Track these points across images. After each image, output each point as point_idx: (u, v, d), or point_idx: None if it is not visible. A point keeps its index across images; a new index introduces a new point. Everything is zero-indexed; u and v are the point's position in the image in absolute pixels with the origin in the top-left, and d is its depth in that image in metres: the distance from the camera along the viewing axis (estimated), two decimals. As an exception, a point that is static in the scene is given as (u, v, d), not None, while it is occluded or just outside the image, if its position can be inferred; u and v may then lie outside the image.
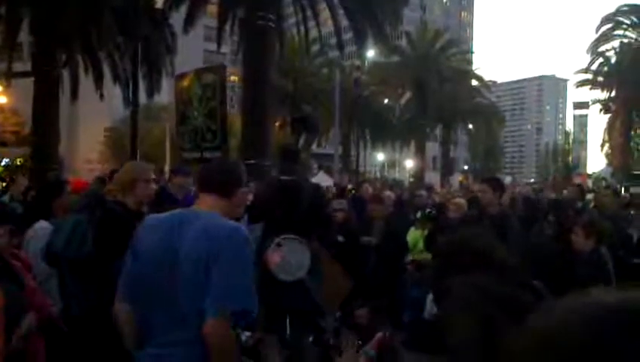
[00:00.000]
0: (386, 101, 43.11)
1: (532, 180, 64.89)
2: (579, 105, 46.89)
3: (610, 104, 41.40)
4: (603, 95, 42.19)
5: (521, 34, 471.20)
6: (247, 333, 3.78)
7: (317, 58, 36.33)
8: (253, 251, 3.31)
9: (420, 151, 44.49)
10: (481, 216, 4.96)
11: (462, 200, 6.99)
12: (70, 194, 4.57)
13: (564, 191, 9.89)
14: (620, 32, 41.68)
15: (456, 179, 32.25)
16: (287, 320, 4.17)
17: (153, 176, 3.63)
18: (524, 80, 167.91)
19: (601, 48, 41.95)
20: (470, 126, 48.37)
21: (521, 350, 0.66)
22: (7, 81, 20.97)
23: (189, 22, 19.19)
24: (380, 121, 40.25)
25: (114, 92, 22.03)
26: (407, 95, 44.10)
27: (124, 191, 3.35)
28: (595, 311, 0.61)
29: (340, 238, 5.75)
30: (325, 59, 36.51)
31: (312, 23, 20.67)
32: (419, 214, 7.03)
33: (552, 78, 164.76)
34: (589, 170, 42.90)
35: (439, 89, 41.52)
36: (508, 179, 30.48)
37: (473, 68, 50.04)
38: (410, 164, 49.72)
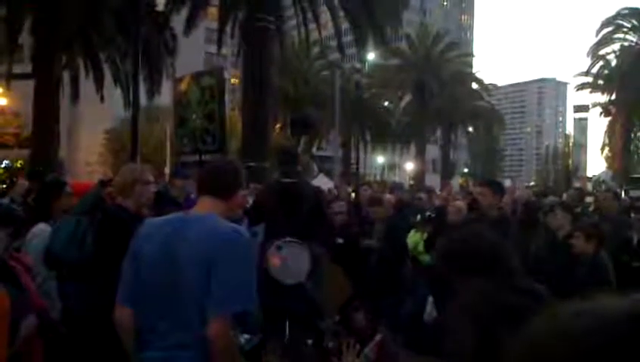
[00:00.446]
0: (386, 103, 43.13)
1: (532, 183, 64.90)
2: (579, 109, 46.88)
3: (611, 107, 41.41)
4: (603, 98, 42.25)
5: (521, 37, 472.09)
6: (247, 336, 3.78)
7: (317, 60, 36.40)
8: (255, 253, 3.31)
9: (420, 154, 44.49)
10: (481, 220, 4.96)
11: (461, 203, 6.98)
12: (70, 196, 4.56)
13: (564, 195, 9.90)
14: (620, 35, 41.73)
15: (457, 181, 32.25)
16: (287, 323, 4.17)
17: (152, 178, 3.62)
18: (524, 83, 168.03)
19: (602, 51, 42.00)
20: (470, 129, 48.39)
21: (523, 356, 0.66)
22: (7, 83, 20.97)
23: (190, 24, 19.23)
24: (380, 123, 40.26)
25: (114, 94, 22.03)
26: (408, 98, 44.12)
27: (124, 194, 3.35)
28: (602, 317, 0.61)
29: (340, 241, 5.74)
30: (326, 62, 36.57)
31: (312, 26, 20.69)
32: (419, 217, 7.03)
33: (553, 81, 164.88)
34: (589, 173, 42.88)
35: (439, 92, 41.55)
36: (508, 182, 30.47)
37: (473, 71, 50.10)
38: (410, 166, 49.71)
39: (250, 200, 5.85)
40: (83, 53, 18.66)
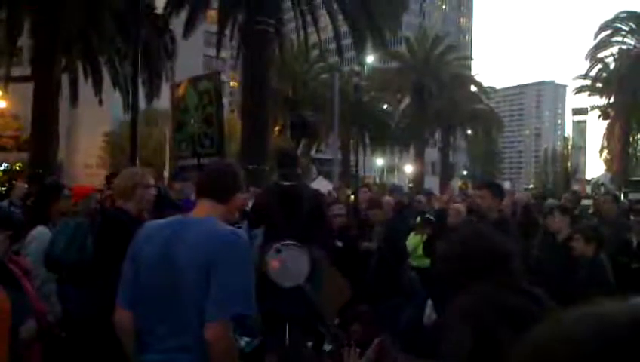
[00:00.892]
0: (385, 106, 43.17)
1: (531, 186, 64.90)
2: (578, 112, 47.00)
3: (609, 110, 41.47)
4: (602, 101, 42.31)
5: (520, 40, 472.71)
6: (247, 339, 3.77)
7: (316, 63, 36.43)
8: (254, 256, 3.31)
9: (419, 157, 44.52)
10: (481, 222, 4.95)
11: (461, 206, 6.99)
12: (69, 198, 4.56)
13: (562, 198, 9.90)
14: (618, 38, 41.83)
15: (456, 184, 32.23)
16: (287, 326, 4.16)
17: (152, 182, 3.62)
18: (523, 86, 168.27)
19: (600, 54, 42.10)
20: (469, 131, 48.44)
21: (526, 360, 0.66)
22: (6, 86, 20.97)
23: (189, 27, 19.26)
24: (379, 126, 40.27)
25: (113, 97, 22.04)
26: (407, 100, 44.18)
27: (125, 198, 3.35)
28: (604, 321, 0.61)
29: (339, 244, 5.74)
30: (325, 65, 36.61)
31: (311, 29, 20.72)
32: (418, 219, 7.03)
33: (551, 84, 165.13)
34: (588, 176, 42.95)
35: (438, 94, 41.60)
36: (507, 185, 30.50)
37: (472, 73, 50.18)
38: (409, 169, 49.73)
39: (250, 203, 5.85)
40: (82, 56, 18.66)
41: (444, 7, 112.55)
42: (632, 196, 17.18)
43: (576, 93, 44.19)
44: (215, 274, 2.09)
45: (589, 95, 43.19)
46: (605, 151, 43.38)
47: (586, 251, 4.38)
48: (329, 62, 35.02)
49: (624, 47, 41.34)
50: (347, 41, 21.82)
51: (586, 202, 10.87)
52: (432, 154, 50.73)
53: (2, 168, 26.18)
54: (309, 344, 4.46)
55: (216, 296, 2.08)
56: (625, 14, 41.79)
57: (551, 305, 1.80)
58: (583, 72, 43.30)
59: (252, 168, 13.25)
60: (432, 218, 6.83)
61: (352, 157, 38.10)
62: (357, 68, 25.81)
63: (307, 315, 4.24)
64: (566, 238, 4.70)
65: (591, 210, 8.60)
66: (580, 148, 46.85)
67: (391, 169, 60.78)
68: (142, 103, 19.66)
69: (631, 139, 42.45)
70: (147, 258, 2.22)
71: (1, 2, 16.16)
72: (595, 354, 0.58)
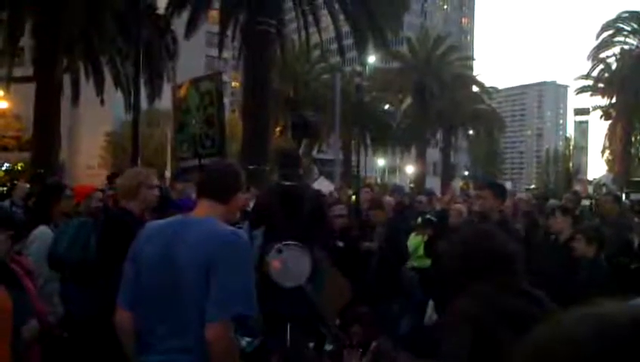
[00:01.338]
0: (386, 107, 43.12)
1: (532, 186, 64.77)
2: (579, 112, 46.87)
3: (611, 110, 41.41)
4: (604, 101, 42.25)
5: (521, 40, 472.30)
6: (247, 339, 3.78)
7: (318, 64, 36.42)
8: (254, 256, 3.31)
9: (421, 157, 44.49)
10: (482, 223, 4.95)
11: (462, 206, 6.99)
12: (70, 199, 4.57)
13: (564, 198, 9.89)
14: (620, 38, 41.78)
15: (457, 184, 32.20)
16: (288, 327, 4.16)
17: (156, 182, 3.63)
18: (525, 86, 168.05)
19: (602, 55, 42.06)
20: (471, 132, 48.40)
21: (527, 361, 0.66)
22: (8, 86, 21.01)
23: (191, 27, 19.27)
24: (380, 126, 40.25)
25: (115, 97, 22.06)
26: (408, 101, 44.15)
27: (128, 198, 3.35)
28: (605, 322, 0.61)
29: (340, 244, 5.73)
30: (326, 65, 36.60)
31: (313, 29, 20.72)
32: (419, 220, 7.02)
33: (553, 84, 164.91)
34: (590, 176, 42.80)
35: (440, 95, 41.57)
36: (509, 185, 30.47)
37: (474, 74, 50.12)
38: (410, 169, 49.69)
39: (251, 204, 5.86)
40: (84, 57, 18.69)
41: (445, 7, 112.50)
42: (633, 196, 17.15)
43: (577, 94, 44.16)
44: (215, 274, 2.09)
45: (591, 95, 43.15)
46: (607, 152, 43.33)
47: (587, 252, 4.38)
48: (330, 63, 35.01)
49: (626, 47, 41.30)
50: (348, 42, 21.82)
51: (586, 202, 10.85)
52: (434, 154, 50.68)
53: (4, 168, 26.22)
54: (310, 344, 4.46)
55: (217, 296, 2.08)
56: (627, 14, 41.73)
57: (552, 307, 1.80)
58: (585, 72, 43.33)
59: (253, 168, 13.25)
60: (433, 218, 6.82)
61: (354, 158, 38.13)
62: (358, 68, 25.77)
63: (308, 316, 4.24)
64: (568, 239, 4.70)
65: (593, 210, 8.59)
66: (581, 148, 46.74)
67: (392, 169, 60.72)
68: (143, 103, 19.69)
69: (633, 139, 42.38)
70: (148, 258, 2.22)
71: (3, 3, 16.19)
72: (595, 354, 0.58)
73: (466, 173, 58.34)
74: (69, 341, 3.28)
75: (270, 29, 16.89)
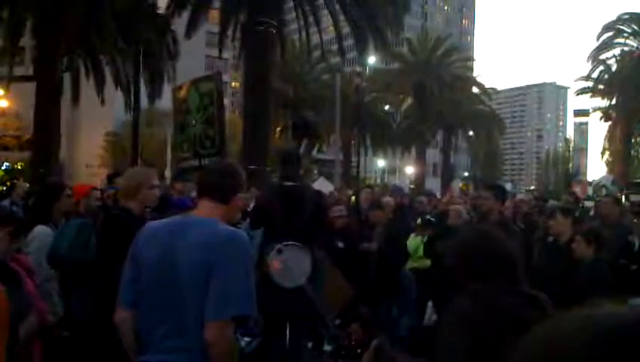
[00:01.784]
0: (386, 107, 43.15)
1: (532, 187, 64.77)
2: (579, 113, 46.87)
3: (611, 112, 41.42)
4: (604, 103, 42.26)
5: (521, 41, 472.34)
6: (247, 339, 3.77)
7: (318, 64, 36.41)
8: (254, 256, 3.31)
9: (421, 158, 44.51)
10: (481, 223, 4.97)
11: (461, 207, 6.99)
12: (71, 198, 4.57)
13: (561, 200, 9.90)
14: (620, 40, 41.80)
15: (457, 185, 32.20)
16: (287, 327, 4.16)
17: (157, 182, 3.63)
18: (525, 87, 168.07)
19: (602, 56, 42.07)
20: (471, 133, 48.41)
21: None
22: (8, 85, 21.00)
23: (191, 27, 19.26)
24: (380, 127, 40.28)
25: (115, 97, 22.06)
26: (408, 101, 44.17)
27: (129, 197, 3.35)
28: (605, 326, 0.61)
29: (340, 244, 5.73)
30: (326, 66, 36.60)
31: (313, 30, 20.72)
32: (419, 220, 7.03)
33: (553, 85, 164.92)
34: (590, 177, 42.81)
35: (440, 96, 41.59)
36: (509, 186, 30.48)
37: (474, 75, 50.15)
38: (410, 170, 49.71)
39: (251, 204, 5.85)
40: (84, 56, 18.69)
41: (446, 8, 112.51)
42: (633, 198, 17.14)
43: (577, 95, 44.16)
44: (215, 274, 2.09)
45: (591, 97, 43.15)
46: (607, 153, 43.33)
47: (587, 253, 4.38)
48: (331, 63, 35.04)
49: (626, 48, 41.32)
50: (349, 42, 21.82)
51: (589, 203, 10.85)
52: (434, 155, 50.74)
53: (4, 167, 26.21)
54: (309, 344, 4.47)
55: (217, 296, 2.08)
56: (627, 16, 41.75)
57: (550, 308, 1.80)
58: (585, 74, 43.35)
59: (253, 169, 13.25)
60: (432, 219, 6.83)
61: (354, 158, 38.21)
62: (359, 69, 25.77)
63: (308, 316, 4.24)
64: (568, 240, 4.70)
65: (592, 212, 8.59)
66: (581, 149, 46.72)
67: (392, 170, 60.75)
68: (143, 103, 19.70)
69: (632, 140, 42.41)
70: (148, 258, 2.22)
71: (3, 2, 16.19)
72: (594, 357, 0.58)
73: (466, 173, 58.36)
74: (70, 340, 3.28)
75: (270, 29, 16.87)
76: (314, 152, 38.89)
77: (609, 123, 42.12)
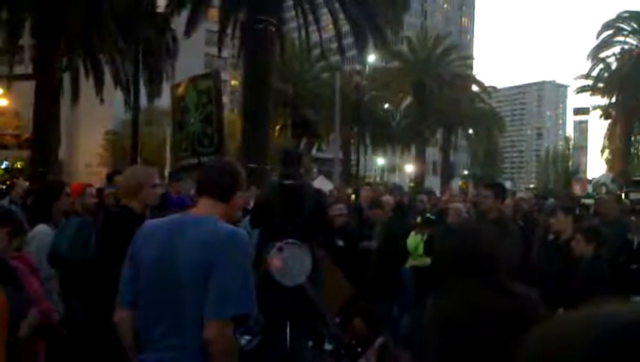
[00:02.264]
0: (386, 106, 43.15)
1: (532, 185, 64.81)
2: (579, 111, 46.86)
3: (611, 110, 41.42)
4: (603, 101, 42.26)
5: (521, 40, 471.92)
6: (247, 337, 3.77)
7: (317, 62, 36.39)
8: (252, 255, 3.31)
9: (420, 156, 44.50)
10: (480, 221, 4.98)
11: (460, 205, 6.99)
12: (68, 197, 4.56)
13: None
14: (620, 38, 41.79)
15: (457, 184, 32.21)
16: (288, 325, 4.16)
17: (158, 181, 3.62)
18: (525, 85, 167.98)
19: (602, 54, 42.07)
20: (470, 131, 48.39)
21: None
22: (8, 84, 20.99)
23: (191, 26, 19.23)
24: (380, 125, 40.27)
25: (115, 96, 22.05)
26: (408, 100, 44.16)
27: (130, 196, 3.34)
28: (604, 325, 0.60)
29: (340, 243, 5.74)
30: (326, 64, 36.56)
31: (313, 28, 20.70)
32: (418, 219, 7.03)
33: (553, 83, 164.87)
34: (589, 175, 42.82)
35: (439, 94, 41.57)
36: (508, 184, 30.50)
37: (473, 73, 50.12)
38: (410, 168, 49.72)
39: (251, 203, 5.85)
40: (83, 55, 18.67)
41: (445, 6, 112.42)
42: (633, 196, 17.15)
43: (577, 93, 44.15)
44: (215, 273, 2.09)
45: (591, 95, 43.14)
46: (607, 151, 43.34)
47: (586, 251, 4.38)
48: (330, 62, 35.04)
49: (626, 46, 41.32)
50: (348, 41, 21.80)
51: (587, 201, 10.87)
52: (433, 153, 50.72)
53: (3, 166, 26.22)
54: (310, 343, 4.46)
55: (216, 295, 2.08)
56: (627, 14, 41.74)
57: (539, 306, 1.78)
58: (585, 72, 43.31)
59: (253, 167, 13.25)
60: (432, 217, 6.83)
61: (353, 157, 38.21)
62: (358, 67, 25.75)
63: (308, 314, 4.24)
64: (569, 238, 4.70)
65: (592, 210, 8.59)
66: (581, 148, 46.72)
67: (392, 168, 60.77)
68: (143, 102, 19.66)
69: (632, 138, 42.42)
70: (147, 257, 2.22)
71: (3, 1, 16.17)
72: (597, 357, 0.58)
73: (466, 172, 58.37)
74: (70, 339, 3.28)
75: (270, 27, 16.86)
76: (313, 151, 38.88)
77: (609, 121, 42.13)
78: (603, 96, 42.04)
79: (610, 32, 41.77)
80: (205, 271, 2.09)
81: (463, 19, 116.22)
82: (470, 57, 60.17)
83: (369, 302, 5.10)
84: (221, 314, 2.09)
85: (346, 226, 6.05)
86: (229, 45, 23.94)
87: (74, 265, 3.65)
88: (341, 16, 20.48)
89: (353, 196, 11.30)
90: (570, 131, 63.38)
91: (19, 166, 25.21)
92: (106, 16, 16.00)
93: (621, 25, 41.76)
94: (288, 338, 4.14)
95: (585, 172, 43.57)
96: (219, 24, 20.07)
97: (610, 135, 42.54)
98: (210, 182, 2.35)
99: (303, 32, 20.86)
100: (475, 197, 8.54)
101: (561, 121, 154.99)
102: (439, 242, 2.11)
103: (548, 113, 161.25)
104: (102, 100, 20.49)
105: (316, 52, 29.38)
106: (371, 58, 28.31)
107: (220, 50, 21.23)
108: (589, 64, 42.53)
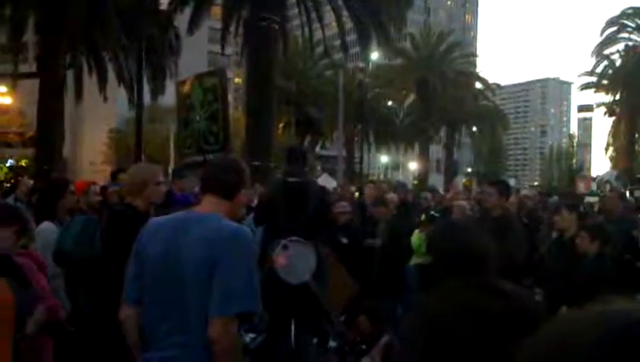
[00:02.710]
0: (389, 103, 43.08)
1: (536, 183, 64.66)
2: (583, 108, 46.76)
3: (615, 107, 41.26)
4: (607, 98, 42.08)
5: (525, 36, 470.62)
6: (252, 335, 3.78)
7: (321, 60, 36.34)
8: (257, 252, 3.31)
9: (424, 154, 44.43)
10: (484, 218, 4.98)
11: (464, 203, 6.99)
12: (73, 195, 4.58)
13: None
14: (624, 34, 41.58)
15: (460, 181, 32.19)
16: (292, 323, 4.16)
17: (163, 179, 3.63)
18: (528, 82, 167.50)
19: (606, 51, 41.87)
20: (474, 128, 48.30)
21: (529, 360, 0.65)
22: (12, 82, 21.03)
23: (194, 23, 19.24)
24: (383, 123, 40.22)
25: (118, 93, 22.06)
26: (411, 97, 44.09)
27: (134, 194, 3.35)
28: (608, 323, 0.60)
29: (344, 240, 5.74)
30: (329, 62, 36.52)
31: (316, 25, 20.68)
32: (422, 216, 7.03)
33: (557, 80, 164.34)
34: (594, 173, 42.70)
35: (443, 91, 41.47)
36: (512, 182, 30.43)
37: (477, 70, 50.00)
38: (413, 166, 49.65)
39: (255, 200, 5.85)
40: (87, 53, 18.69)
41: (449, 3, 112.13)
42: (638, 193, 17.11)
43: (581, 90, 44.02)
44: (219, 270, 2.09)
45: (595, 92, 43.00)
46: (611, 149, 43.17)
47: (590, 249, 4.37)
48: (333, 59, 34.98)
49: (630, 43, 41.11)
50: (352, 38, 21.76)
51: (590, 199, 10.84)
52: (437, 151, 50.64)
53: (8, 164, 26.30)
54: (314, 340, 4.47)
55: (221, 293, 2.08)
56: (631, 11, 41.52)
57: (525, 306, 1.77)
58: (589, 69, 43.13)
59: (257, 165, 13.25)
60: (436, 215, 6.82)
61: (357, 154, 38.19)
62: (361, 65, 25.71)
63: (313, 312, 4.24)
64: (573, 236, 4.69)
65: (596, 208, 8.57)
66: (585, 145, 46.62)
67: (395, 166, 60.72)
68: (146, 100, 19.67)
69: (637, 135, 42.21)
70: (152, 255, 2.22)
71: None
72: (604, 354, 0.58)
73: (469, 169, 58.29)
74: (77, 336, 3.29)
75: (273, 25, 16.85)
76: (317, 148, 38.86)
77: (613, 118, 41.96)
78: (607, 93, 41.87)
79: (614, 28, 41.58)
80: (210, 269, 2.09)
81: (467, 16, 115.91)
82: (474, 54, 59.98)
83: (373, 300, 5.10)
84: (225, 312, 2.09)
85: (349, 224, 6.05)
86: (232, 43, 23.91)
87: (79, 263, 3.66)
88: (344, 13, 20.46)
89: (357, 194, 11.30)
90: (574, 128, 63.31)
91: (23, 164, 25.28)
92: (110, 13, 16.01)
93: (625, 21, 41.57)
94: (293, 335, 4.15)
95: (589, 169, 43.53)
96: (222, 22, 20.06)
97: (614, 132, 42.38)
98: (215, 180, 2.35)
99: (306, 30, 20.85)
100: (479, 195, 8.54)
101: (565, 119, 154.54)
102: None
103: (552, 110, 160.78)
104: (105, 98, 20.51)
105: (319, 49, 29.33)
106: (374, 55, 28.26)
107: (223, 48, 21.22)
108: (593, 61, 42.47)
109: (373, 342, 3.85)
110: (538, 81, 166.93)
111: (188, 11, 19.04)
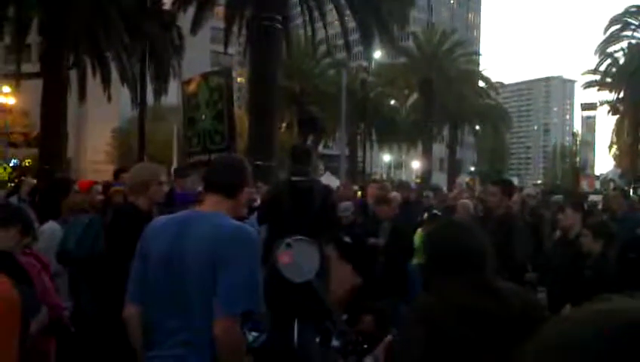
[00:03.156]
0: (392, 102, 43.04)
1: (539, 181, 64.56)
2: (586, 107, 46.54)
3: (619, 105, 41.14)
4: (611, 96, 41.98)
5: (528, 35, 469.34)
6: (255, 334, 3.78)
7: (324, 59, 36.36)
8: (260, 251, 3.31)
9: (427, 153, 44.37)
10: (487, 217, 4.97)
11: (468, 202, 6.98)
12: (77, 194, 4.59)
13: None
14: (628, 32, 41.46)
15: (463, 180, 32.16)
16: (295, 322, 4.16)
17: (165, 178, 3.63)
18: (532, 81, 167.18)
19: (609, 49, 41.75)
20: (477, 127, 48.22)
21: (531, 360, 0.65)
22: (16, 83, 21.08)
23: (197, 23, 19.26)
24: (386, 122, 40.18)
25: (121, 93, 22.11)
26: (414, 96, 44.02)
27: (137, 193, 3.35)
28: (610, 322, 0.60)
29: (347, 239, 5.74)
30: (332, 61, 36.53)
31: (319, 24, 20.68)
32: (425, 215, 7.02)
33: (560, 79, 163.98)
34: (597, 171, 42.60)
35: (446, 90, 41.40)
36: (515, 180, 30.38)
37: (480, 69, 49.89)
38: (416, 165, 49.60)
39: (258, 199, 5.85)
40: (90, 53, 18.73)
41: (452, 2, 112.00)
42: (641, 192, 17.07)
43: (585, 88, 43.88)
44: (223, 269, 2.09)
45: (598, 90, 42.87)
46: (614, 147, 43.06)
47: (594, 247, 4.35)
48: (336, 58, 34.96)
49: (633, 41, 40.98)
50: (354, 37, 21.76)
51: (594, 198, 10.82)
52: (440, 150, 50.55)
53: (12, 164, 26.38)
54: (317, 339, 4.47)
55: (224, 292, 2.08)
56: (635, 9, 41.39)
57: (521, 306, 1.76)
58: (592, 67, 43.03)
59: (259, 164, 13.26)
60: (439, 214, 6.82)
61: (359, 154, 38.17)
62: (364, 63, 25.66)
63: (316, 310, 4.24)
64: (578, 234, 4.68)
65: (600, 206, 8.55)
66: (588, 143, 46.43)
67: (398, 165, 60.68)
68: (149, 99, 19.72)
69: (640, 134, 42.09)
70: (155, 254, 2.22)
71: (9, 0, 16.24)
72: (605, 351, 0.58)
73: (472, 168, 58.19)
74: (79, 336, 3.30)
75: (276, 24, 16.85)
76: (320, 148, 38.84)
77: (617, 116, 41.85)
78: (611, 92, 41.76)
79: (617, 26, 41.45)
80: (213, 268, 2.09)
81: (470, 14, 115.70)
82: (477, 53, 59.80)
83: (376, 300, 5.09)
84: (229, 311, 2.09)
85: (352, 223, 6.05)
86: (235, 43, 23.95)
87: (82, 262, 3.67)
88: (347, 12, 20.45)
89: (359, 193, 11.30)
90: (577, 127, 63.20)
91: (27, 164, 25.34)
92: (113, 13, 16.05)
93: (629, 19, 41.44)
94: (296, 334, 4.15)
95: (592, 168, 43.35)
96: (225, 21, 20.08)
97: (618, 130, 42.26)
98: (218, 179, 2.35)
99: (309, 29, 20.84)
100: (482, 194, 8.53)
101: (568, 117, 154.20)
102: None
103: (555, 109, 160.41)
104: (109, 98, 20.55)
105: (322, 49, 29.39)
106: (377, 54, 28.26)
107: (226, 48, 21.24)
108: (596, 59, 42.29)
109: (375, 341, 3.85)
110: (541, 79, 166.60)
111: (191, 11, 19.06)
